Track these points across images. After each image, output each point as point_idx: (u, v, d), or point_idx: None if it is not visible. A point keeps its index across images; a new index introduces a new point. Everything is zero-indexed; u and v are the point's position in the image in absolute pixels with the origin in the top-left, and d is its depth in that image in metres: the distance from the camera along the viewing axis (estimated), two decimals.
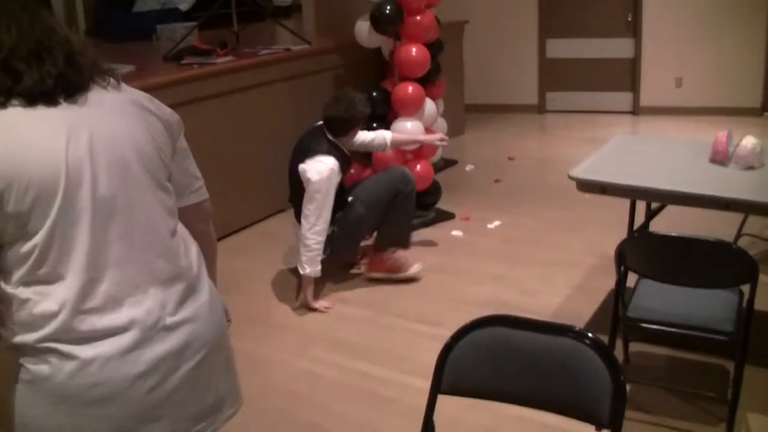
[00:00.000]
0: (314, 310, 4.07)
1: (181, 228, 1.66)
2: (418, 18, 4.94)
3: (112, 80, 1.57)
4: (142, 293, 1.51)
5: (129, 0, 8.16)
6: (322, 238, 3.96)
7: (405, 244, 4.37)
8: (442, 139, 4.64)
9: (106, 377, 1.45)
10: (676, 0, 8.06)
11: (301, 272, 4.02)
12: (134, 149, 1.52)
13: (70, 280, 1.43)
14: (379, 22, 4.86)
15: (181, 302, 1.57)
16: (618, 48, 8.44)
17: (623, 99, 8.58)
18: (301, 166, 3.97)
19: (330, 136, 4.07)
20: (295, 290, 4.29)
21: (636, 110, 8.50)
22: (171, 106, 1.70)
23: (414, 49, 4.87)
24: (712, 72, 8.10)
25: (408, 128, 4.95)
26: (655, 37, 8.21)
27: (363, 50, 5.48)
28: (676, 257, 2.71)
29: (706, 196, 3.12)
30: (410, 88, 4.94)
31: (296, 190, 4.07)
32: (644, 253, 2.82)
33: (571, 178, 3.35)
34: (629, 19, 8.32)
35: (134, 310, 1.49)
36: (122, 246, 1.49)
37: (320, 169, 3.91)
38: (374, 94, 5.10)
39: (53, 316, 1.42)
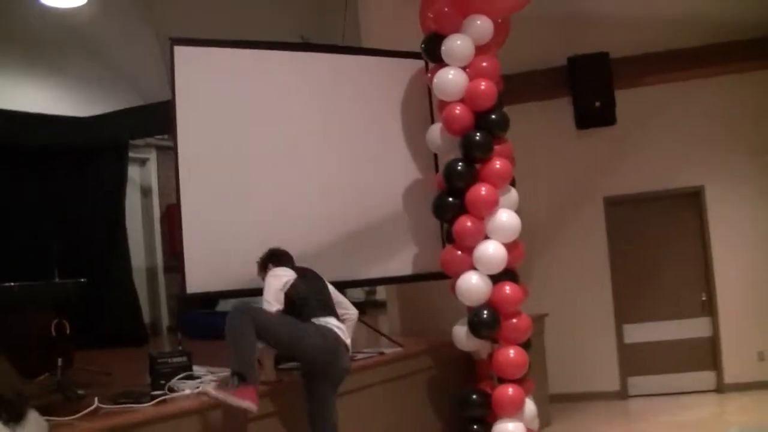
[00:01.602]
0: None
1: None
2: (515, 321, 5.04)
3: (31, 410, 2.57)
4: None
5: (212, 301, 8.46)
6: None
7: None
8: None
9: None
10: (749, 275, 8.16)
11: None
12: None
13: None
14: (477, 328, 4.96)
15: None
16: (695, 328, 8.42)
17: (706, 378, 8.39)
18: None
19: None
20: None
21: (720, 388, 8.27)
22: None
23: (512, 352, 4.91)
24: None
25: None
26: (732, 313, 8.20)
27: (453, 350, 5.52)
28: None
29: None
30: (510, 390, 4.92)
31: None
32: None
33: None
34: (703, 299, 8.38)
35: None
36: None
37: None
38: (474, 396, 5.07)
39: None
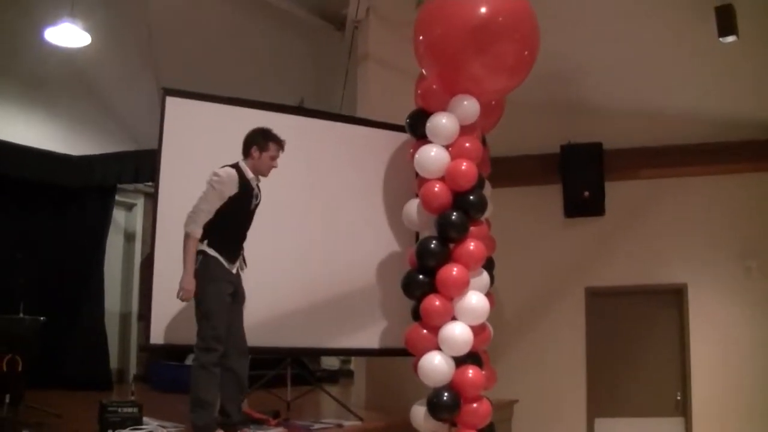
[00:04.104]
0: None
1: None
2: (475, 405, 4.95)
3: None
4: None
5: (180, 354, 8.34)
6: None
7: None
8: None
9: None
10: (725, 378, 8.03)
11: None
12: None
13: None
14: (436, 409, 4.87)
15: None
16: (668, 427, 8.26)
17: None
18: None
19: None
20: None
21: None
22: None
23: None
24: None
25: None
26: (706, 415, 8.05)
27: (414, 429, 5.39)
28: None
29: None
30: None
31: None
32: None
33: None
34: (678, 398, 8.25)
35: None
36: None
37: None
38: None
39: None
